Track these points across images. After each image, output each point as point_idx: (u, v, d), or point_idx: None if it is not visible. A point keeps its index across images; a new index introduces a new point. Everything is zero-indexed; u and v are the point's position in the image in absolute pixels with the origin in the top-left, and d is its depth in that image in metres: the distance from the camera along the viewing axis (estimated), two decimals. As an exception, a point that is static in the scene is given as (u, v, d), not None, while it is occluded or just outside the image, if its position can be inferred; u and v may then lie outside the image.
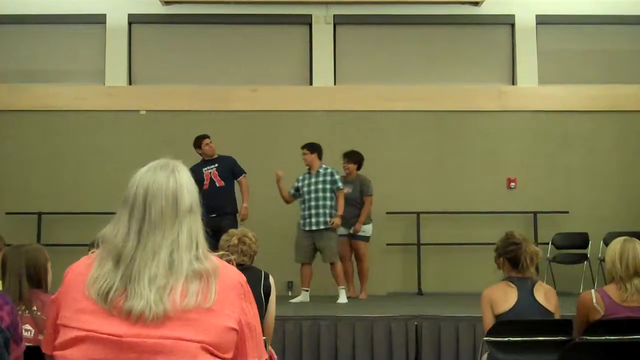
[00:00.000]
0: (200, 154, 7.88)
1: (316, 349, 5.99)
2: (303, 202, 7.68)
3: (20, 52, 9.35)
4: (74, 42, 9.38)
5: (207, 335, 1.65)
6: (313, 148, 7.77)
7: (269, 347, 3.90)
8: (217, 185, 7.72)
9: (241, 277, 1.81)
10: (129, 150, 8.83)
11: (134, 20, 9.36)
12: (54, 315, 1.75)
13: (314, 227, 7.54)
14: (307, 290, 7.65)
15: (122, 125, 9.11)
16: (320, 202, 7.56)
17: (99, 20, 9.27)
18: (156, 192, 1.73)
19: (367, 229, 8.05)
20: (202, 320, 1.65)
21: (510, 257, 3.90)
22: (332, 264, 7.59)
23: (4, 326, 2.40)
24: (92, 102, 9.14)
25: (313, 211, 7.56)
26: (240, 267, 3.95)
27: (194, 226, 1.77)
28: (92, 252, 1.77)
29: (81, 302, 1.67)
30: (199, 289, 1.67)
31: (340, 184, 7.64)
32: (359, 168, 8.11)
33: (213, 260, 1.76)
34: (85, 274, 1.70)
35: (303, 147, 7.79)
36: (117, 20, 9.27)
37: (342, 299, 7.46)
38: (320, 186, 7.61)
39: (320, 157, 7.78)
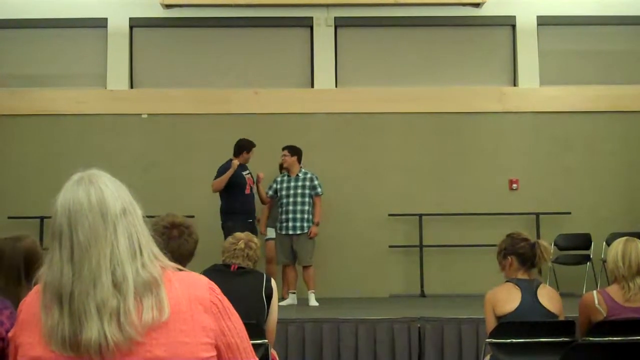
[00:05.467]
0: (238, 158, 7.73)
1: (319, 351, 5.99)
2: (280, 205, 7.62)
3: (22, 56, 9.34)
4: (75, 46, 9.38)
5: None
6: (294, 151, 7.70)
7: (271, 350, 3.90)
8: (253, 191, 7.77)
9: (212, 294, 1.63)
10: (130, 154, 8.84)
11: (135, 24, 9.36)
12: (13, 354, 1.62)
13: (290, 232, 7.51)
14: (294, 293, 7.55)
15: (123, 129, 9.11)
16: (299, 207, 7.51)
17: (100, 24, 9.26)
18: (79, 211, 1.56)
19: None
20: (172, 357, 1.53)
21: (523, 252, 3.86)
22: (306, 267, 7.56)
23: (3, 330, 2.39)
24: (93, 106, 9.14)
25: (290, 215, 7.51)
26: (244, 270, 3.96)
27: (132, 228, 1.57)
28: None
29: (36, 349, 1.55)
30: (153, 303, 1.52)
31: (319, 190, 7.58)
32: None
33: (168, 267, 1.60)
34: (39, 315, 1.56)
35: (284, 149, 7.74)
36: (118, 24, 9.27)
37: (312, 302, 7.43)
38: (299, 191, 7.56)
39: (300, 161, 7.71)
